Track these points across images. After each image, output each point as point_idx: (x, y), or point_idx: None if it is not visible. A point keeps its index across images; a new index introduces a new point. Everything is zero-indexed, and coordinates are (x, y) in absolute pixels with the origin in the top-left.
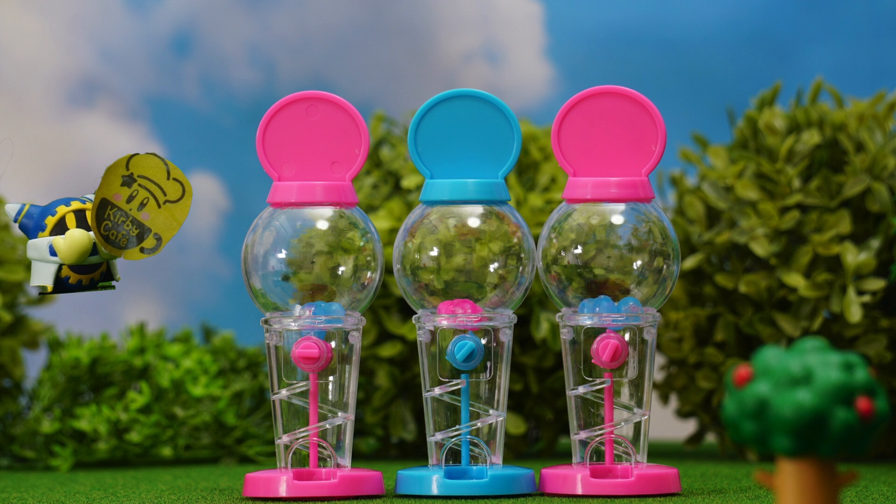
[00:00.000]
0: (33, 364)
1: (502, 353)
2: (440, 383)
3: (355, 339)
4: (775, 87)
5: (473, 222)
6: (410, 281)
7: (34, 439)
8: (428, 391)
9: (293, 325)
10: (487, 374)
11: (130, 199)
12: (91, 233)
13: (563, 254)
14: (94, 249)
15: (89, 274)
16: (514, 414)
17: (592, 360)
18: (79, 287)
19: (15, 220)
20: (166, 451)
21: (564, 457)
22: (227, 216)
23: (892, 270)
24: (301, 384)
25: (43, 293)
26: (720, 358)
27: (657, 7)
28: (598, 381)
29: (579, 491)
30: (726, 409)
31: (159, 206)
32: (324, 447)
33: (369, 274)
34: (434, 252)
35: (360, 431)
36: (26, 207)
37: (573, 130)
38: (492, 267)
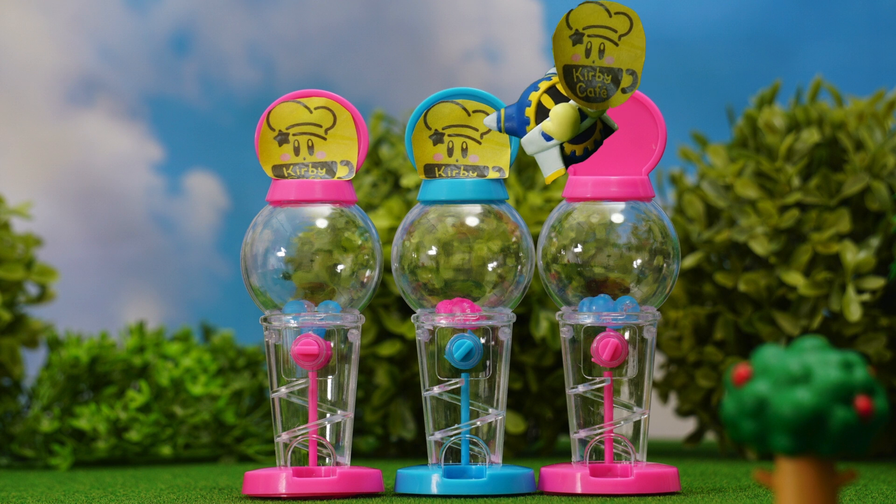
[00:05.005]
0: (33, 363)
1: (501, 352)
2: (439, 382)
3: (354, 338)
4: (775, 85)
5: (472, 221)
6: (409, 280)
7: (33, 438)
8: (427, 390)
9: (292, 323)
10: (486, 373)
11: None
12: (571, 102)
13: (562, 252)
14: (581, 115)
15: (590, 138)
16: (514, 413)
17: (592, 359)
18: (586, 154)
19: (499, 129)
20: (165, 450)
21: (564, 456)
22: (226, 215)
23: (892, 269)
24: (300, 382)
25: (554, 179)
26: (720, 356)
27: (657, 6)
28: (597, 379)
29: (579, 490)
30: (725, 407)
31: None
32: (323, 445)
33: (368, 272)
34: (433, 251)
35: (359, 430)
36: (502, 113)
37: None
38: (490, 266)
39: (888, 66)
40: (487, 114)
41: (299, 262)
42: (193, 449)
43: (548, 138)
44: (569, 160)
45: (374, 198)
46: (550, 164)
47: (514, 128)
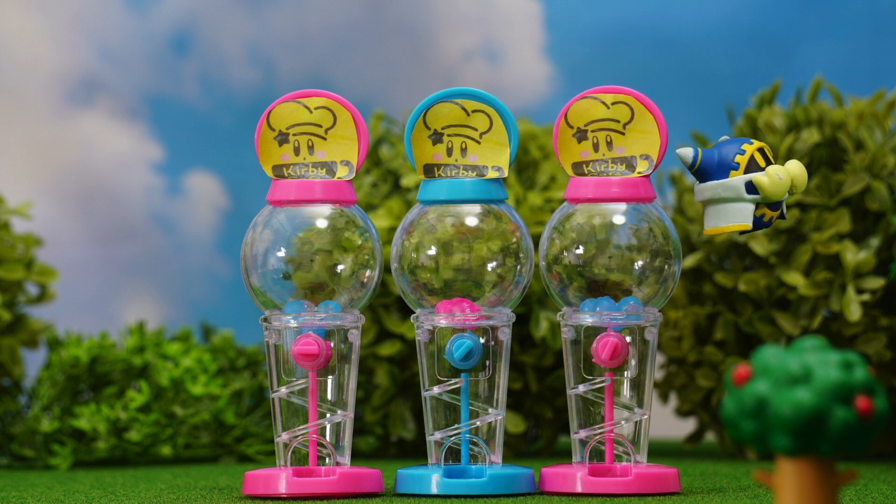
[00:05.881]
0: (33, 363)
1: (501, 352)
2: (439, 382)
3: (354, 338)
4: (775, 85)
5: (472, 221)
6: (408, 280)
7: (33, 438)
8: (427, 390)
9: (292, 323)
10: (486, 373)
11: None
12: (800, 167)
13: (564, 253)
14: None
15: (777, 211)
16: (514, 413)
17: (592, 359)
18: (770, 224)
19: (692, 165)
20: (165, 450)
21: (564, 456)
22: (226, 215)
23: (892, 269)
24: (300, 382)
25: (743, 233)
26: (720, 357)
27: (657, 6)
28: (598, 379)
29: (579, 489)
30: (725, 407)
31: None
32: (323, 445)
33: (368, 272)
34: (432, 251)
35: (359, 430)
36: (700, 151)
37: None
38: (490, 266)
39: (888, 66)
40: (487, 114)
41: (299, 262)
42: (193, 449)
43: (752, 192)
44: (757, 222)
45: (374, 198)
46: (738, 217)
47: (712, 168)
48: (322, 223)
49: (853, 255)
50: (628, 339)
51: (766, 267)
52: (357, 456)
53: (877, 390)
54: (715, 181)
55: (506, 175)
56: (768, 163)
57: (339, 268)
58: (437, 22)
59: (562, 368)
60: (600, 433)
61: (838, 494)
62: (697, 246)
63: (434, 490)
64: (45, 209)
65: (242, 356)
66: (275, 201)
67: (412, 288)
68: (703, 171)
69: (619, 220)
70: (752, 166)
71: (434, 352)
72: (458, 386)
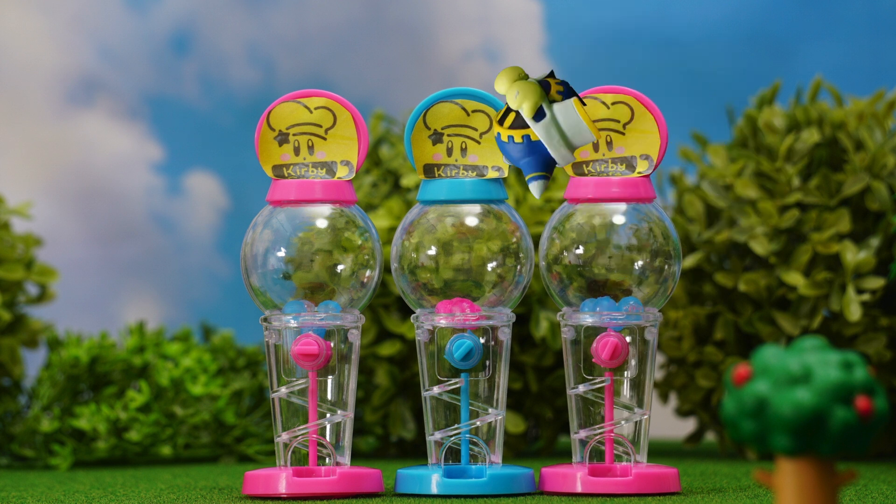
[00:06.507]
0: (33, 363)
1: (501, 352)
2: (439, 382)
3: (354, 338)
4: (775, 85)
5: (472, 221)
6: (408, 280)
7: (33, 438)
8: (427, 390)
9: (292, 323)
10: (486, 373)
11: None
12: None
13: (564, 253)
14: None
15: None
16: (514, 413)
17: (592, 359)
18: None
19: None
20: (165, 450)
21: (564, 456)
22: (226, 215)
23: (892, 269)
24: (300, 382)
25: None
26: (720, 357)
27: (657, 6)
28: (598, 379)
29: (579, 489)
30: (725, 407)
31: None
32: (323, 445)
33: (368, 272)
34: (432, 251)
35: (359, 430)
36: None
37: None
38: (490, 266)
39: (888, 66)
40: (487, 114)
41: (299, 262)
42: (193, 449)
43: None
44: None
45: (374, 198)
46: (578, 130)
47: (522, 163)
48: (322, 223)
49: (853, 255)
50: (628, 339)
51: (766, 267)
52: (357, 456)
53: (877, 390)
54: (544, 152)
55: (506, 175)
56: (514, 110)
57: (339, 268)
58: (437, 22)
59: (562, 368)
60: (600, 433)
61: (838, 494)
62: (697, 246)
63: (434, 490)
64: (45, 209)
65: (242, 356)
66: (275, 201)
67: (412, 288)
68: (525, 165)
69: (619, 220)
70: (514, 120)
71: (434, 352)
72: (458, 386)
